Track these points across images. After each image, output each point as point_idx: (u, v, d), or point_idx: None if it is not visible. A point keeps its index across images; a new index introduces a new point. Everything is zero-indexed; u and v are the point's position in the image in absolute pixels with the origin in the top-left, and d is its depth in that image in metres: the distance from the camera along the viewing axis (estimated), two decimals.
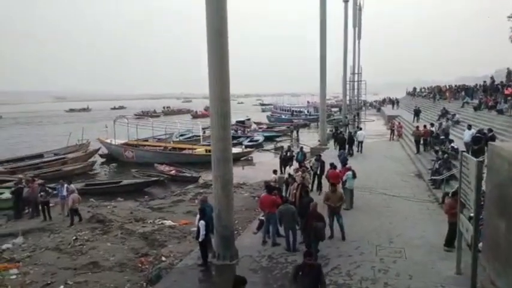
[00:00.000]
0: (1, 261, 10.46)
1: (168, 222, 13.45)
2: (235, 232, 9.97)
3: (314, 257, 8.17)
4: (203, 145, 30.45)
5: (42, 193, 14.72)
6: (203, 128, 35.11)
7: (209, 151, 10.32)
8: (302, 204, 9.77)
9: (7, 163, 27.00)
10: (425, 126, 21.53)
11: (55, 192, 15.72)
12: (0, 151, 34.94)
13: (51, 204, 15.24)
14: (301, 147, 19.45)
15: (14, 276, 9.37)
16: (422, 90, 51.05)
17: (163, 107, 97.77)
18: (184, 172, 23.65)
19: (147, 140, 33.53)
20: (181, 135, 39.42)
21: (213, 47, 8.09)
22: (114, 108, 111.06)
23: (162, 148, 30.65)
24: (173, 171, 23.67)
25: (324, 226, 8.48)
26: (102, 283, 8.92)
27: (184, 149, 30.61)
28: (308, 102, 76.35)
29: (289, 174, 13.76)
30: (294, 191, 11.05)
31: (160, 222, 13.50)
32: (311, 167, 15.16)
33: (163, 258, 10.05)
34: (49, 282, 9.04)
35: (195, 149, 29.88)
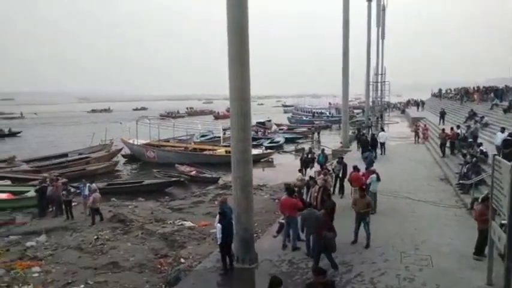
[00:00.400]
0: (24, 258, 10.63)
1: (188, 223, 13.42)
2: (255, 235, 9.81)
3: (333, 265, 7.97)
4: (223, 146, 30.49)
5: (63, 192, 14.94)
6: (224, 129, 35.20)
7: (229, 152, 10.18)
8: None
9: (33, 162, 27.68)
10: (452, 128, 20.87)
11: (78, 191, 16.00)
12: (25, 150, 35.88)
13: (74, 203, 15.48)
14: (323, 149, 19.10)
15: (36, 274, 9.50)
16: (448, 91, 49.64)
17: (187, 108, 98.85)
18: (204, 173, 23.70)
19: (168, 141, 33.81)
20: (202, 136, 39.69)
21: (233, 45, 7.97)
22: (136, 109, 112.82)
23: (183, 149, 30.85)
24: (193, 172, 23.74)
25: (334, 236, 8.05)
26: (122, 283, 8.95)
27: (205, 149, 30.71)
28: (330, 103, 75.61)
29: (311, 177, 13.49)
30: (316, 194, 10.80)
31: (180, 223, 13.48)
32: (333, 169, 14.86)
33: (182, 260, 9.99)
34: (70, 281, 9.12)
35: (215, 149, 29.93)
